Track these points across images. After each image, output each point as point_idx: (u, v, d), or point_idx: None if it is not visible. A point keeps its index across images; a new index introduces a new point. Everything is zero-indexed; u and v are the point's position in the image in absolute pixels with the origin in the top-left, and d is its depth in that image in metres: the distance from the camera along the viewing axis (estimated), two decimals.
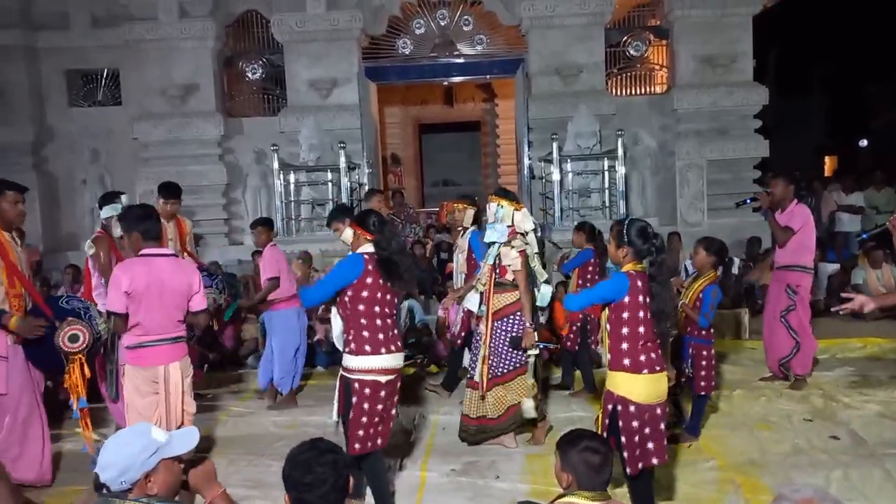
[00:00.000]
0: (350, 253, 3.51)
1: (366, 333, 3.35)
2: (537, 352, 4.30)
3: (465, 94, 13.74)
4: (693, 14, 9.14)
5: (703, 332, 4.38)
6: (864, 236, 5.57)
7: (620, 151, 8.63)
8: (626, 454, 3.07)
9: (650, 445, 3.09)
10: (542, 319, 4.28)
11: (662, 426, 3.15)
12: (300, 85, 9.30)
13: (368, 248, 3.46)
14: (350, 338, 3.39)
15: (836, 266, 8.56)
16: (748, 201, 5.77)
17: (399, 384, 3.51)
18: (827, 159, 23.26)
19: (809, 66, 22.46)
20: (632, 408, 3.07)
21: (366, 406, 3.33)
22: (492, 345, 4.29)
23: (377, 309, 3.38)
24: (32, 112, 9.59)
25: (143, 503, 2.00)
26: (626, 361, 3.09)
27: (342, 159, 8.69)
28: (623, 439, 3.07)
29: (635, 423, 3.07)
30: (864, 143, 22.54)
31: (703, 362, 4.37)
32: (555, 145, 8.62)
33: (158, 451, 2.04)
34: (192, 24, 9.16)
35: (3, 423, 3.83)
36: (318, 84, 9.23)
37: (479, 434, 4.41)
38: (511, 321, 4.30)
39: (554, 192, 8.78)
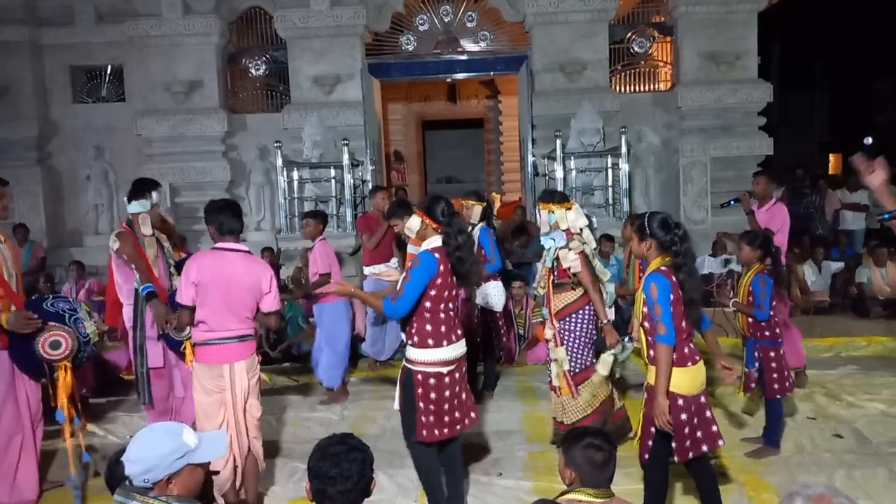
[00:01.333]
0: (421, 251, 3.37)
1: (429, 327, 3.31)
2: (622, 349, 4.15)
3: (469, 91, 13.72)
4: (697, 10, 9.11)
5: (767, 333, 4.17)
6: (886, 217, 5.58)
7: (624, 149, 8.60)
8: (675, 445, 3.08)
9: (699, 434, 3.10)
10: (612, 316, 4.20)
11: (709, 413, 3.15)
12: (303, 81, 9.30)
13: (436, 240, 3.35)
14: (413, 330, 3.34)
15: (841, 264, 8.54)
16: (732, 203, 5.75)
17: (465, 369, 3.45)
18: (831, 157, 23.19)
19: (814, 62, 22.39)
20: (679, 401, 3.07)
21: (433, 395, 3.31)
22: (565, 346, 4.22)
23: (442, 304, 3.32)
24: (37, 108, 9.60)
25: (163, 501, 2.00)
26: (673, 356, 3.06)
27: (345, 156, 8.68)
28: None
29: (684, 416, 3.07)
30: (868, 140, 22.47)
31: (773, 364, 4.15)
32: (558, 142, 8.60)
33: (186, 455, 2.05)
34: (195, 21, 9.16)
35: None
36: (322, 80, 9.23)
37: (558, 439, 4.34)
38: (574, 320, 4.22)
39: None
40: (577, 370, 4.23)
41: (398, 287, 3.33)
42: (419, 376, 3.32)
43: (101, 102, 10.00)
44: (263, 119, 9.66)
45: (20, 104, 9.52)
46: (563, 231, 4.20)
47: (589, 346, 4.25)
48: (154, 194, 4.39)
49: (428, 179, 15.23)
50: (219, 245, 3.52)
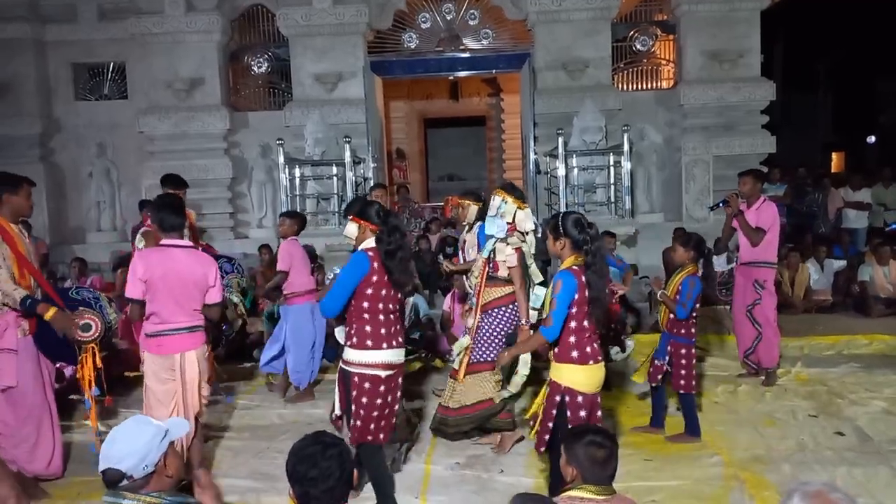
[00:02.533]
0: (357, 251, 3.45)
1: (368, 328, 3.34)
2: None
3: (471, 89, 13.72)
4: (700, 9, 9.09)
5: (682, 331, 4.34)
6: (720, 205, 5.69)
7: (626, 147, 8.60)
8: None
9: None
10: (534, 320, 4.22)
11: (599, 413, 3.31)
12: (305, 79, 9.30)
13: (371, 241, 3.43)
14: (352, 331, 3.39)
15: (843, 263, 8.52)
16: (721, 204, 5.74)
17: (401, 379, 3.50)
18: (834, 155, 23.15)
19: (817, 61, 22.33)
20: (579, 398, 3.19)
21: (364, 400, 3.33)
22: (476, 335, 4.26)
23: (381, 305, 3.37)
24: (39, 105, 9.62)
25: (154, 497, 2.01)
26: (574, 354, 3.21)
27: (347, 154, 8.69)
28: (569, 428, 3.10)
29: (582, 413, 3.19)
30: (871, 139, 22.43)
31: (683, 361, 4.34)
32: (560, 140, 8.59)
33: (166, 435, 2.10)
34: (198, 18, 9.17)
35: (15, 415, 3.84)
36: (324, 78, 9.23)
37: (459, 424, 4.29)
38: (497, 314, 4.26)
39: (559, 188, 8.76)
40: (478, 360, 4.24)
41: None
42: (356, 378, 3.35)
43: (104, 100, 10.02)
44: (265, 116, 9.66)
45: (23, 101, 9.53)
46: (507, 224, 4.22)
47: (500, 343, 4.25)
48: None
49: (430, 177, 15.24)
50: (164, 242, 3.65)
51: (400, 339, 3.46)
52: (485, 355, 4.24)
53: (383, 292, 3.37)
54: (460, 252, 4.90)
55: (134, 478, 2.01)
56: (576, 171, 8.86)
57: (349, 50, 9.26)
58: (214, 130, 9.35)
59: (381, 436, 3.40)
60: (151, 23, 9.14)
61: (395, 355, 3.41)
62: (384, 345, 3.36)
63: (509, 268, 4.20)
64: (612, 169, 8.85)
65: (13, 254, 3.75)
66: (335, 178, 8.91)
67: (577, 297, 3.17)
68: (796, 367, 5.84)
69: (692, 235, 4.54)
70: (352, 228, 3.53)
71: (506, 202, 4.26)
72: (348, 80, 9.28)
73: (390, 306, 3.41)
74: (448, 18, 9.55)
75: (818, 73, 23.05)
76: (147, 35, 9.20)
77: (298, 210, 9.00)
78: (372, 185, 7.36)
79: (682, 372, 4.34)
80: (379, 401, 3.35)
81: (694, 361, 4.40)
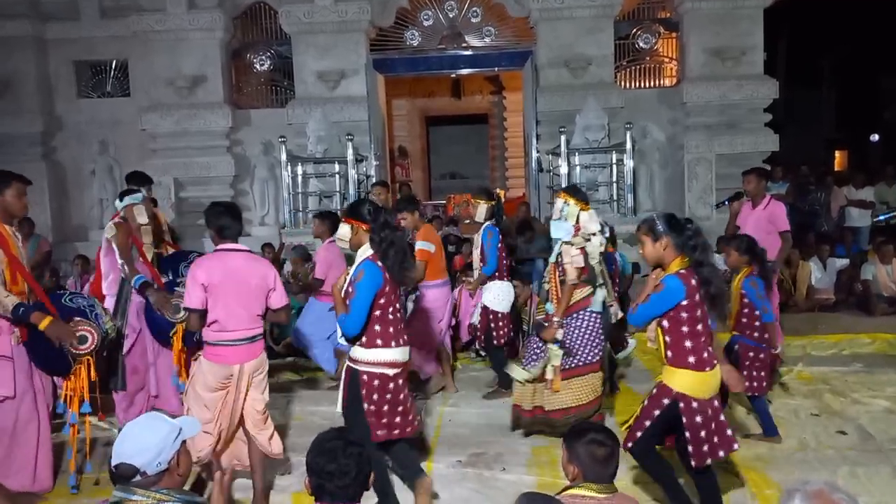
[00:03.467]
0: (363, 261, 3.34)
1: (378, 327, 3.33)
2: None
3: (473, 87, 13.69)
4: (703, 6, 9.07)
5: (754, 333, 4.31)
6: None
7: (629, 145, 8.59)
8: (691, 449, 3.06)
9: (716, 439, 3.10)
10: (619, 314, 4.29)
11: (723, 417, 3.15)
12: (308, 76, 9.30)
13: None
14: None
15: (846, 261, 8.50)
16: (726, 202, 5.74)
17: (407, 377, 3.50)
18: (837, 153, 23.09)
19: (820, 58, 22.26)
20: (694, 404, 3.07)
21: (375, 397, 3.33)
22: (567, 342, 4.23)
23: (390, 307, 3.35)
24: (41, 102, 9.63)
25: (164, 494, 2.02)
26: (692, 359, 3.07)
27: (349, 151, 8.69)
28: (688, 435, 3.06)
29: (699, 419, 3.06)
30: (875, 137, 22.36)
31: (748, 363, 4.28)
32: (563, 138, 8.58)
33: (180, 433, 2.09)
34: (200, 16, 9.16)
35: (6, 426, 3.63)
36: (326, 76, 9.22)
37: (534, 425, 4.42)
38: (581, 317, 4.25)
39: (562, 186, 8.75)
40: (578, 364, 4.23)
41: (346, 303, 3.33)
42: (364, 377, 3.32)
43: (106, 97, 10.02)
44: (268, 114, 9.66)
45: (25, 99, 9.54)
46: (572, 226, 4.21)
47: (594, 343, 4.25)
48: (145, 190, 4.70)
49: (432, 175, 15.22)
50: (221, 247, 3.54)
51: (406, 338, 3.45)
52: (584, 359, 4.23)
53: (391, 295, 3.36)
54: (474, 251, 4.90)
55: (147, 474, 2.01)
56: (578, 169, 8.86)
57: (351, 47, 9.26)
58: (217, 128, 9.35)
59: (397, 431, 3.37)
60: (153, 20, 9.14)
61: (403, 353, 3.41)
62: (392, 343, 3.35)
63: (576, 268, 4.17)
64: (614, 167, 8.84)
65: (6, 256, 3.58)
66: (337, 176, 8.92)
67: (685, 302, 3.03)
68: (798, 366, 5.84)
69: (743, 238, 4.52)
70: (344, 230, 3.47)
71: (568, 204, 4.24)
72: (350, 78, 9.28)
73: (396, 305, 3.40)
74: (450, 16, 9.53)
75: (821, 71, 22.97)
76: (149, 32, 9.20)
77: (301, 208, 9.03)
78: (373, 182, 7.35)
79: (755, 374, 4.27)
80: (389, 396, 3.35)
81: (762, 364, 4.32)
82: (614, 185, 8.87)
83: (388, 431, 3.35)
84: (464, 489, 3.85)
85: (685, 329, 3.07)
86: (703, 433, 3.06)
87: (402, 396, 3.40)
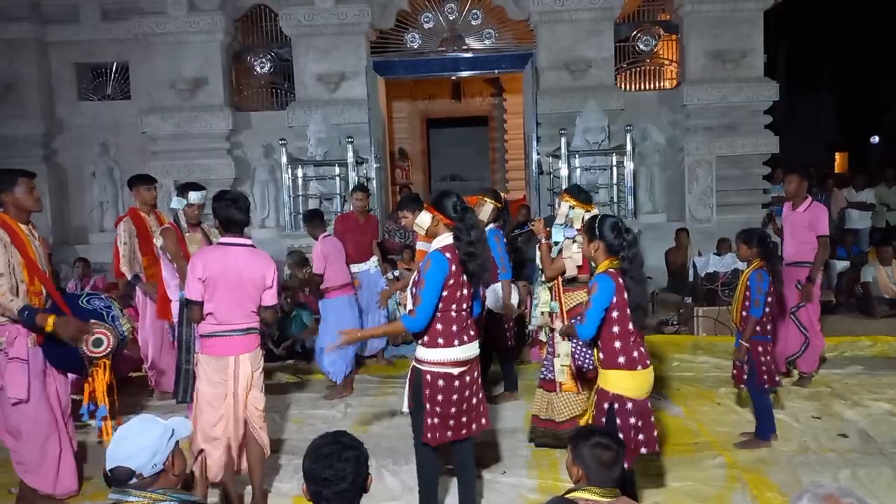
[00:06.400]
0: (431, 250, 3.25)
1: (440, 326, 3.22)
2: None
3: (473, 89, 13.71)
4: (703, 9, 9.07)
5: (758, 329, 4.23)
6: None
7: (629, 147, 8.59)
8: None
9: (641, 437, 3.19)
10: (537, 324, 4.22)
11: (652, 418, 3.25)
12: (308, 79, 9.30)
13: (447, 238, 3.24)
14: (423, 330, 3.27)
15: (846, 263, 8.50)
16: (767, 223, 5.84)
17: (477, 373, 3.38)
18: (837, 156, 23.11)
19: (821, 61, 22.28)
20: (629, 404, 3.15)
21: (440, 398, 3.22)
22: (574, 343, 4.22)
23: (454, 304, 3.24)
24: (42, 105, 9.63)
25: (160, 494, 2.02)
26: (622, 359, 3.17)
27: (350, 154, 8.69)
28: (621, 436, 3.06)
29: (632, 419, 3.15)
30: (875, 139, 22.37)
31: (761, 357, 4.23)
32: (563, 140, 8.58)
33: (173, 434, 2.10)
34: (200, 18, 9.17)
35: (23, 430, 3.62)
36: (326, 78, 9.23)
37: (545, 437, 4.36)
38: None
39: (562, 188, 8.74)
40: (587, 368, 4.20)
41: (413, 294, 3.22)
42: (428, 377, 3.23)
43: (107, 100, 10.03)
44: (268, 117, 9.66)
45: (26, 101, 9.54)
46: (576, 230, 4.20)
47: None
48: (193, 194, 4.76)
49: (432, 177, 15.24)
50: (224, 240, 3.56)
51: (472, 333, 3.32)
52: (591, 362, 4.21)
53: (458, 292, 3.24)
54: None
55: (143, 476, 2.02)
56: (578, 171, 8.85)
57: (352, 50, 9.26)
58: (217, 130, 9.36)
59: (450, 434, 3.27)
60: (154, 23, 9.15)
61: (466, 351, 3.28)
62: (455, 342, 3.24)
63: (577, 266, 4.18)
64: (614, 169, 8.84)
65: (22, 258, 3.50)
66: (338, 179, 8.91)
67: (615, 300, 3.12)
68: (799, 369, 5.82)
69: (754, 231, 4.46)
70: (425, 218, 3.31)
71: (573, 208, 4.25)
72: (351, 81, 9.28)
73: (464, 304, 3.29)
74: (451, 18, 9.54)
75: (822, 73, 23.00)
76: (150, 35, 9.20)
77: (300, 210, 9.02)
78: (353, 187, 7.17)
79: (764, 368, 4.23)
80: (455, 397, 3.25)
81: (772, 358, 4.30)
82: (615, 187, 8.87)
83: (441, 435, 3.25)
84: None
85: (615, 329, 3.17)
86: (631, 433, 3.15)
87: (467, 394, 3.29)
